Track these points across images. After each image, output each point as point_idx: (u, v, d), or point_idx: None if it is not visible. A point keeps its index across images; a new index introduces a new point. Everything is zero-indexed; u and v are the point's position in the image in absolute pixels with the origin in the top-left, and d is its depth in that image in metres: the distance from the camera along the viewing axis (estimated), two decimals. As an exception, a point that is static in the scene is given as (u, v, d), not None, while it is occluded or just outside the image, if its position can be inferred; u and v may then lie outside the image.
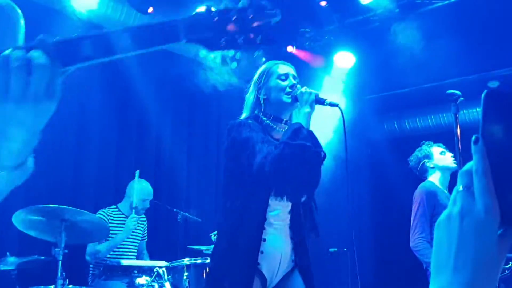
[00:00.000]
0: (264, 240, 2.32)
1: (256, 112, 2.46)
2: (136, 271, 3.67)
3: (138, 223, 4.52)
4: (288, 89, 2.41)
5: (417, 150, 4.01)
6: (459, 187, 0.58)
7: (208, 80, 5.50)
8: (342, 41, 6.06)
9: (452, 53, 5.50)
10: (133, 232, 4.46)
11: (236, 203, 2.31)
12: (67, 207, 3.32)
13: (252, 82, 2.52)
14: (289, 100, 2.40)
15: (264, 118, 2.44)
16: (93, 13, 4.51)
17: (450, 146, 3.77)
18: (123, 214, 4.42)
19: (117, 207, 4.45)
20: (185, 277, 3.63)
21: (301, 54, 6.19)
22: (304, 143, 2.18)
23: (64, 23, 4.46)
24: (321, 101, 2.34)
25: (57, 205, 3.28)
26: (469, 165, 0.58)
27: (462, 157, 2.40)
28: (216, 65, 5.56)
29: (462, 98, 2.34)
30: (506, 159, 0.56)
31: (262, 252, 2.30)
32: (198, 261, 3.74)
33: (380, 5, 5.46)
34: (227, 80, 5.71)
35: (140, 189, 4.38)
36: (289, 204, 2.39)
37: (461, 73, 5.42)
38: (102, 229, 3.74)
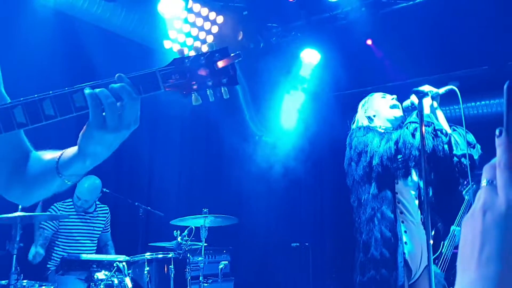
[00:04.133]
0: None
1: None
2: (95, 266, 3.58)
3: (98, 216, 4.44)
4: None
5: None
6: (483, 182, 0.56)
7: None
8: (309, 38, 6.09)
9: (416, 53, 5.62)
10: (92, 225, 4.37)
11: None
12: (19, 214, 3.18)
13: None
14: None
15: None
16: (58, 1, 4.42)
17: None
18: (74, 208, 4.36)
19: (72, 201, 4.37)
20: (146, 272, 3.58)
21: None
22: None
23: (29, 10, 4.35)
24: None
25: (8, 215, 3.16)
26: (494, 160, 0.55)
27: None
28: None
29: (428, 95, 2.39)
30: None
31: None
32: (160, 256, 3.69)
33: (347, 3, 5.51)
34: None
35: (78, 186, 4.25)
36: None
37: (424, 73, 5.54)
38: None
